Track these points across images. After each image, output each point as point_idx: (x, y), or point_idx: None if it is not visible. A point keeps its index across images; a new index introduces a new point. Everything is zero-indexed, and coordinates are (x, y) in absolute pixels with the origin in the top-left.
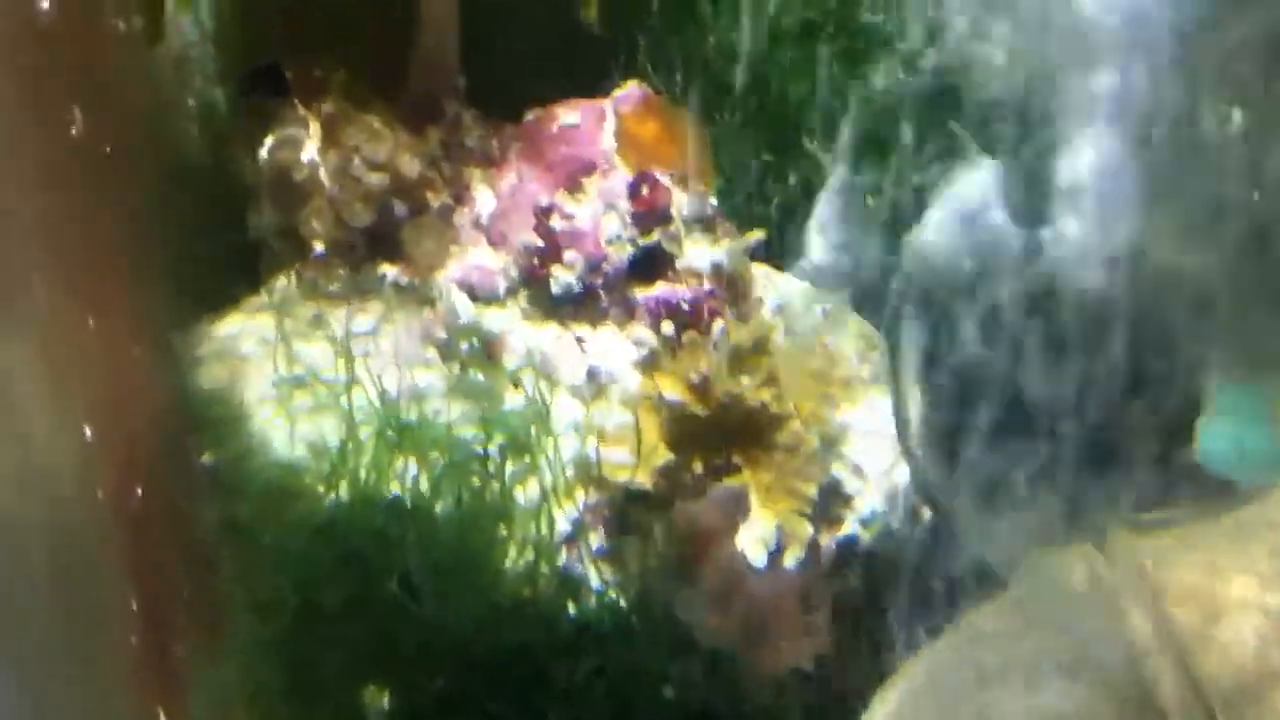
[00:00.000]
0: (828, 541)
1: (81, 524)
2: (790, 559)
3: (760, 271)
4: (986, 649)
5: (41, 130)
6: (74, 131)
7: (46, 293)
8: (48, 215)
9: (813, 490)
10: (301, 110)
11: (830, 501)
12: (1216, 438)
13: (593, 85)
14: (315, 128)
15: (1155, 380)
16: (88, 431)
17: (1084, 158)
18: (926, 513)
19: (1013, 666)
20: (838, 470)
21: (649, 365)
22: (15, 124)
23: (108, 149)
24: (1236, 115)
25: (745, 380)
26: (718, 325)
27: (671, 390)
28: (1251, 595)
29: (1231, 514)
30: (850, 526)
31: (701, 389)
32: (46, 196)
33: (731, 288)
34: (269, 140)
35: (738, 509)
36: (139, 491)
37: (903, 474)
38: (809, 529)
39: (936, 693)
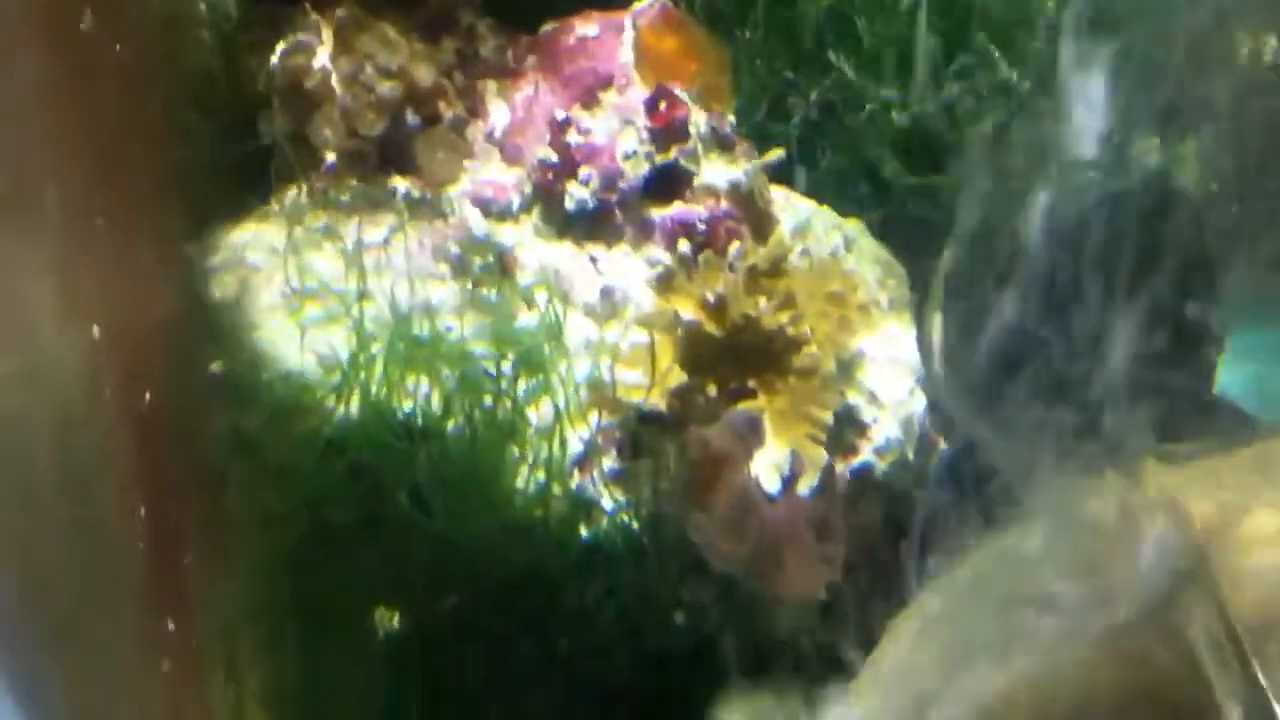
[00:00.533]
0: (843, 469)
1: (88, 423)
2: (804, 486)
3: (779, 193)
4: (1009, 576)
5: (52, 32)
6: (84, 28)
7: (57, 193)
8: (58, 118)
9: (828, 416)
10: (314, 15)
11: (846, 428)
12: (1238, 377)
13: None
14: (328, 34)
15: (1189, 313)
16: (95, 330)
17: None
18: (943, 444)
19: (1034, 597)
20: (853, 397)
21: (664, 285)
22: (26, 24)
23: (118, 51)
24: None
25: (762, 302)
26: (734, 246)
27: (687, 310)
28: (1277, 528)
29: (1256, 450)
30: (866, 454)
31: (717, 310)
32: (57, 99)
33: (749, 208)
34: (280, 46)
35: (752, 434)
36: (147, 395)
37: (920, 403)
38: (824, 455)
39: (952, 620)
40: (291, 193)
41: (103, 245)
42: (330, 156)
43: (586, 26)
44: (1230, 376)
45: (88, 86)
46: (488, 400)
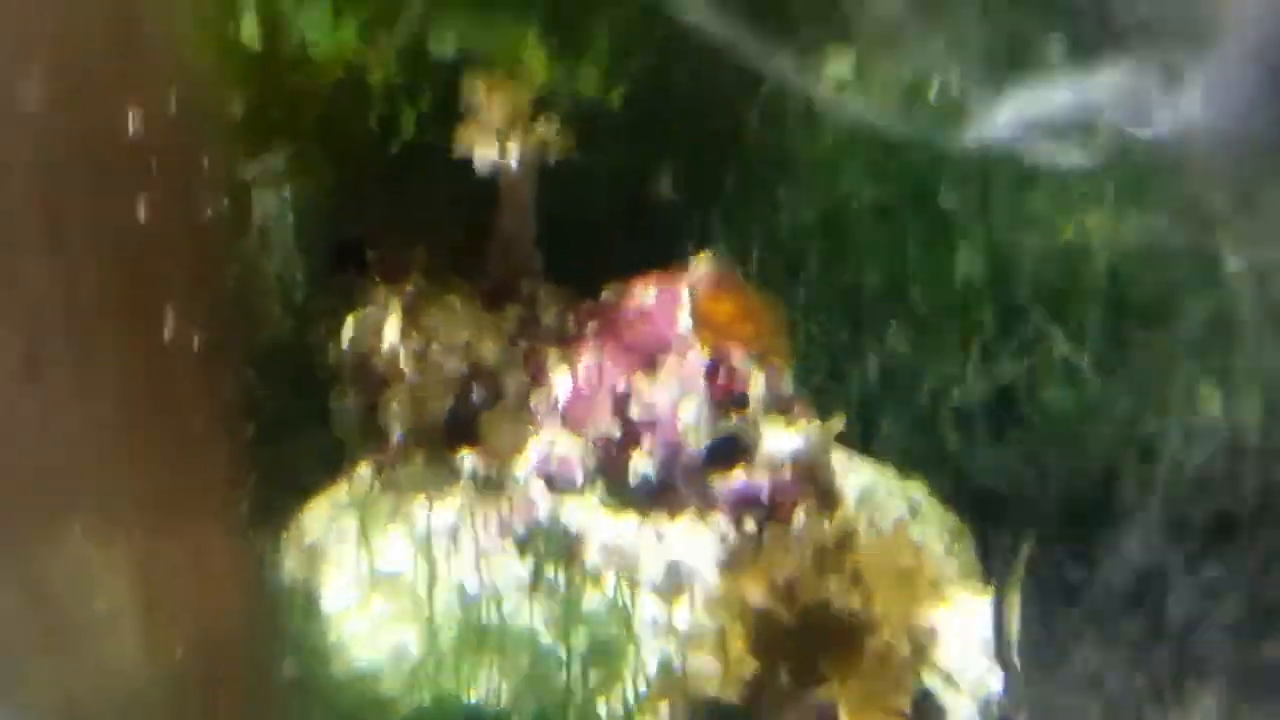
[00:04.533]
0: None
1: None
2: None
3: (840, 455)
4: None
5: (134, 335)
6: (165, 332)
7: (131, 492)
8: (134, 421)
9: (905, 703)
10: (383, 288)
11: (923, 714)
12: None
13: (668, 258)
14: (396, 308)
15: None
16: (175, 641)
17: None
18: None
19: None
20: (929, 679)
21: (731, 564)
22: (112, 329)
23: (194, 347)
24: None
25: (832, 582)
26: (799, 516)
27: (756, 594)
28: None
29: None
30: None
31: (787, 592)
32: (133, 401)
33: (812, 476)
34: (351, 321)
35: None
36: (223, 700)
37: (996, 681)
38: None
39: None
40: (360, 471)
41: (175, 544)
42: (398, 433)
43: (644, 292)
44: None
45: (164, 390)
46: (557, 691)
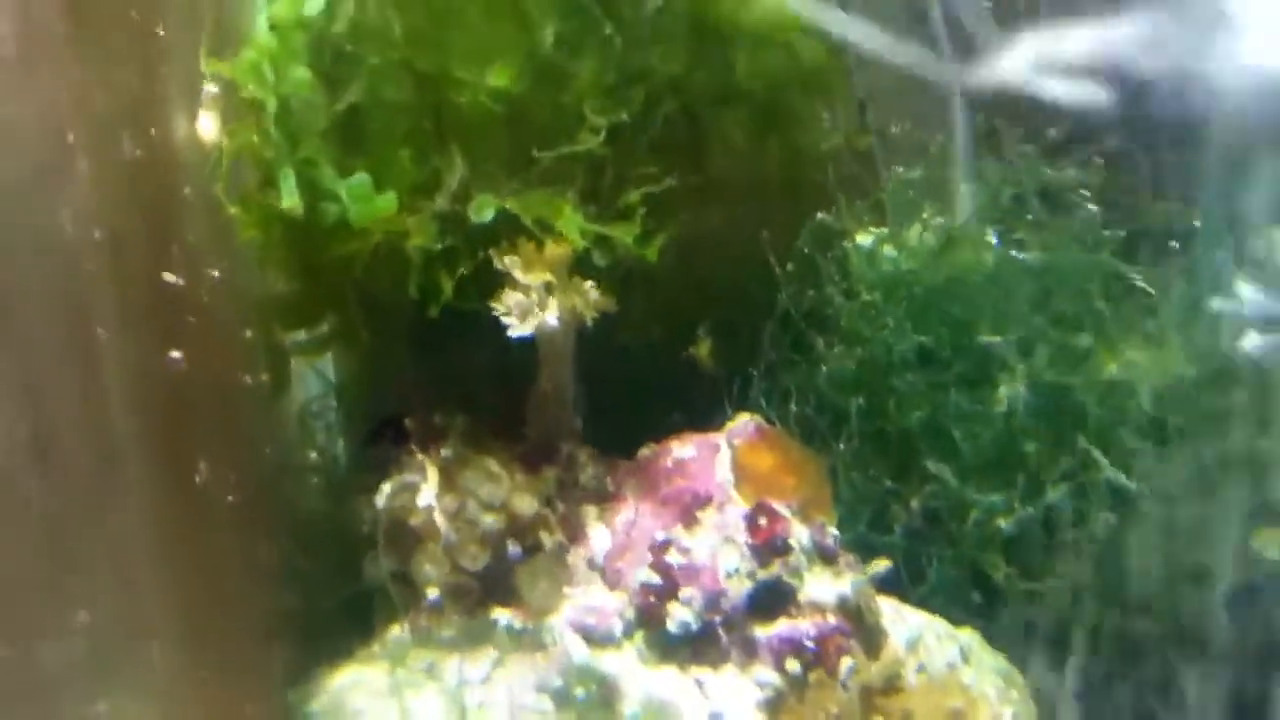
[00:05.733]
0: None
1: None
2: None
3: (888, 605)
4: None
5: (168, 491)
6: (198, 481)
7: (164, 647)
8: (169, 570)
9: None
10: (420, 457)
11: None
12: None
13: (707, 419)
14: (433, 473)
15: None
16: None
17: None
18: None
19: None
20: None
21: (775, 708)
22: (146, 475)
23: (230, 501)
24: None
25: None
26: (845, 663)
27: None
28: None
29: None
30: None
31: None
32: (169, 550)
33: (858, 623)
34: (387, 487)
35: None
36: None
37: None
38: None
39: None
40: (394, 632)
41: (208, 700)
42: (433, 592)
43: (683, 448)
44: None
45: (196, 542)
46: None
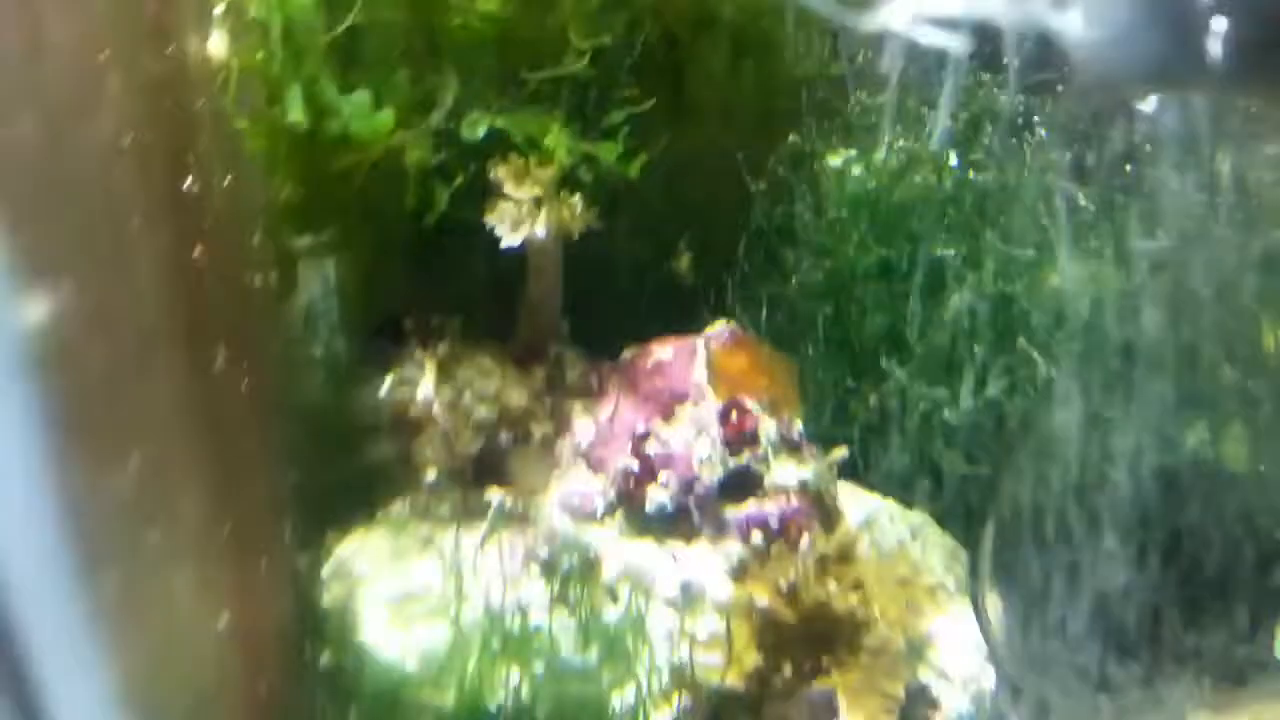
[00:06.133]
0: None
1: (216, 704)
2: None
3: (847, 488)
4: None
5: (191, 369)
6: (217, 369)
7: (191, 503)
8: (192, 442)
9: (900, 691)
10: (419, 353)
11: (918, 704)
12: None
13: (686, 326)
14: (431, 368)
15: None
16: (223, 622)
17: None
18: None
19: None
20: (925, 675)
21: (740, 573)
22: (175, 356)
23: (244, 387)
24: None
25: (832, 586)
26: (805, 538)
27: (762, 597)
28: None
29: None
30: None
31: (790, 596)
32: (192, 425)
33: (818, 504)
34: (387, 381)
35: (827, 710)
36: (265, 684)
37: (990, 677)
38: None
39: None
40: (395, 508)
41: (228, 550)
42: (431, 474)
43: (663, 350)
44: None
45: (217, 417)
46: (575, 689)
